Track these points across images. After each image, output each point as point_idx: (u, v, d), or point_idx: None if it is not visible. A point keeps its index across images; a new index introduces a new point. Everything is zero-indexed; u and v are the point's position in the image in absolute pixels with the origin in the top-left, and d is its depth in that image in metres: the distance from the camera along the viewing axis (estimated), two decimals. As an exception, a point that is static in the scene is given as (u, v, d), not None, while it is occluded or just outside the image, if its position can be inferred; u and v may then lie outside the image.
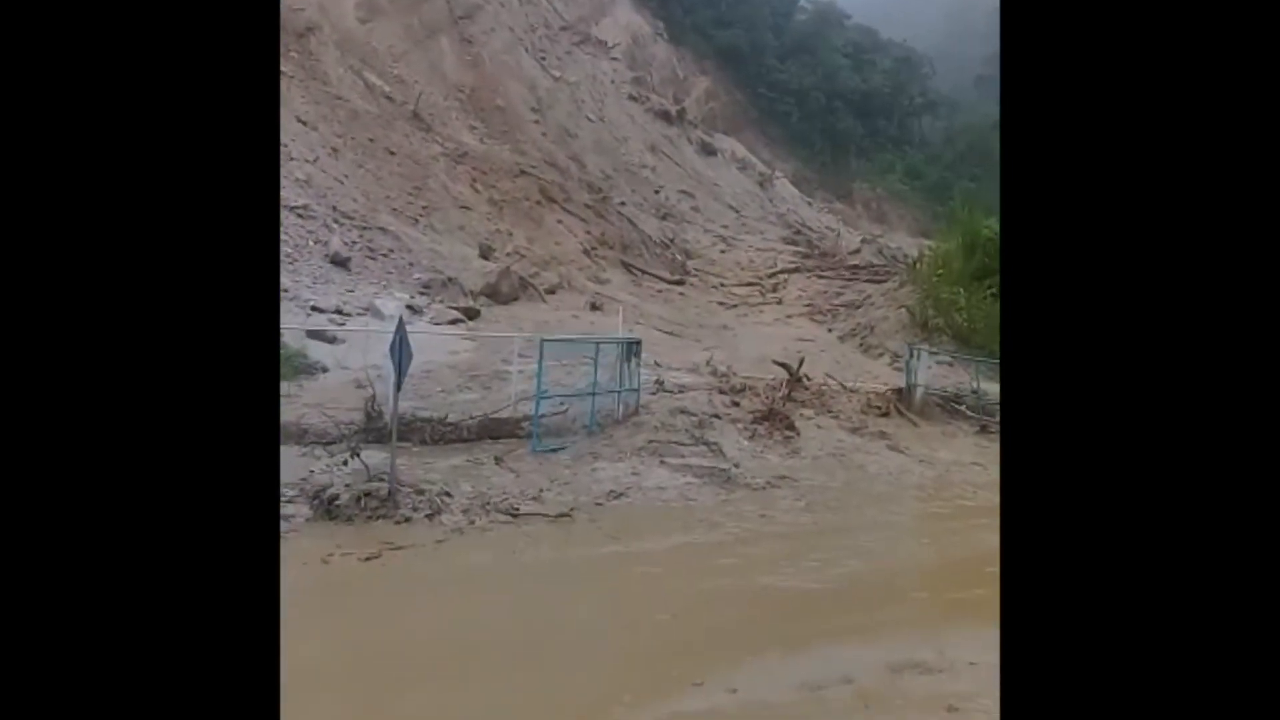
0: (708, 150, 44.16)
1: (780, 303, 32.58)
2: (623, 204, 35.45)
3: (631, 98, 43.29)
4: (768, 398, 17.75)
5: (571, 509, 11.70)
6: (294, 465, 11.50)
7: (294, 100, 27.71)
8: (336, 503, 10.40)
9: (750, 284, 34.23)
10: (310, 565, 9.12)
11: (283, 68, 28.34)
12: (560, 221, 31.78)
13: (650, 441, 14.81)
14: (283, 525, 9.97)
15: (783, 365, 19.52)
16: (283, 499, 10.48)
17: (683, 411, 16.60)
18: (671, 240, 35.47)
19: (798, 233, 41.17)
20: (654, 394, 17.62)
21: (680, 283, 32.50)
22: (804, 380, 19.14)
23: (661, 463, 14.05)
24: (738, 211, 41.02)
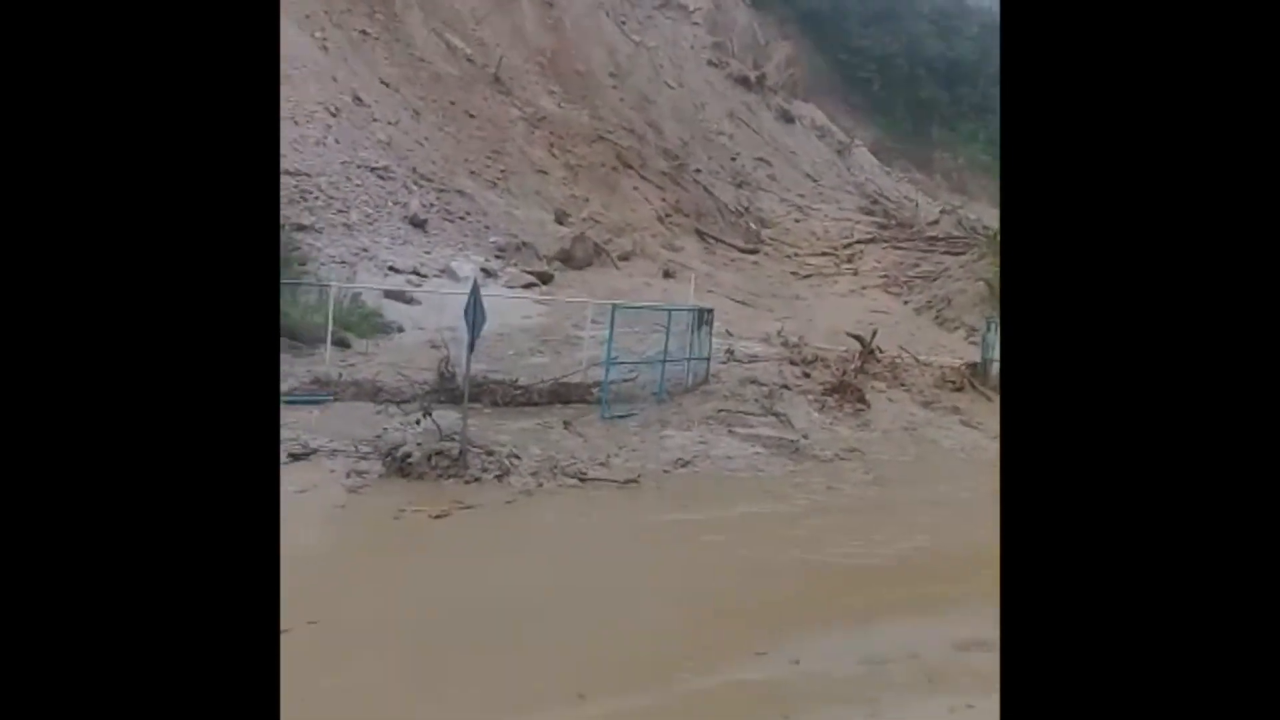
0: (786, 117, 43.51)
1: (855, 273, 32.09)
2: (699, 171, 35.18)
3: (711, 63, 42.80)
4: (839, 369, 17.55)
5: (638, 476, 11.74)
6: (368, 422, 11.75)
7: (378, 62, 28.02)
8: (409, 460, 10.59)
9: (825, 254, 33.77)
10: (382, 521, 9.35)
11: (367, 29, 28.66)
12: (635, 188, 31.69)
13: (719, 411, 14.77)
14: (356, 480, 10.23)
15: (855, 337, 19.26)
16: (357, 455, 10.73)
17: (753, 381, 16.51)
18: (747, 208, 35.13)
19: (875, 202, 40.44)
20: (724, 363, 17.56)
21: (754, 251, 32.22)
22: (877, 352, 18.85)
23: (730, 432, 14.00)
24: (815, 180, 40.43)
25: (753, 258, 31.69)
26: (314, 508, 9.45)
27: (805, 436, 14.15)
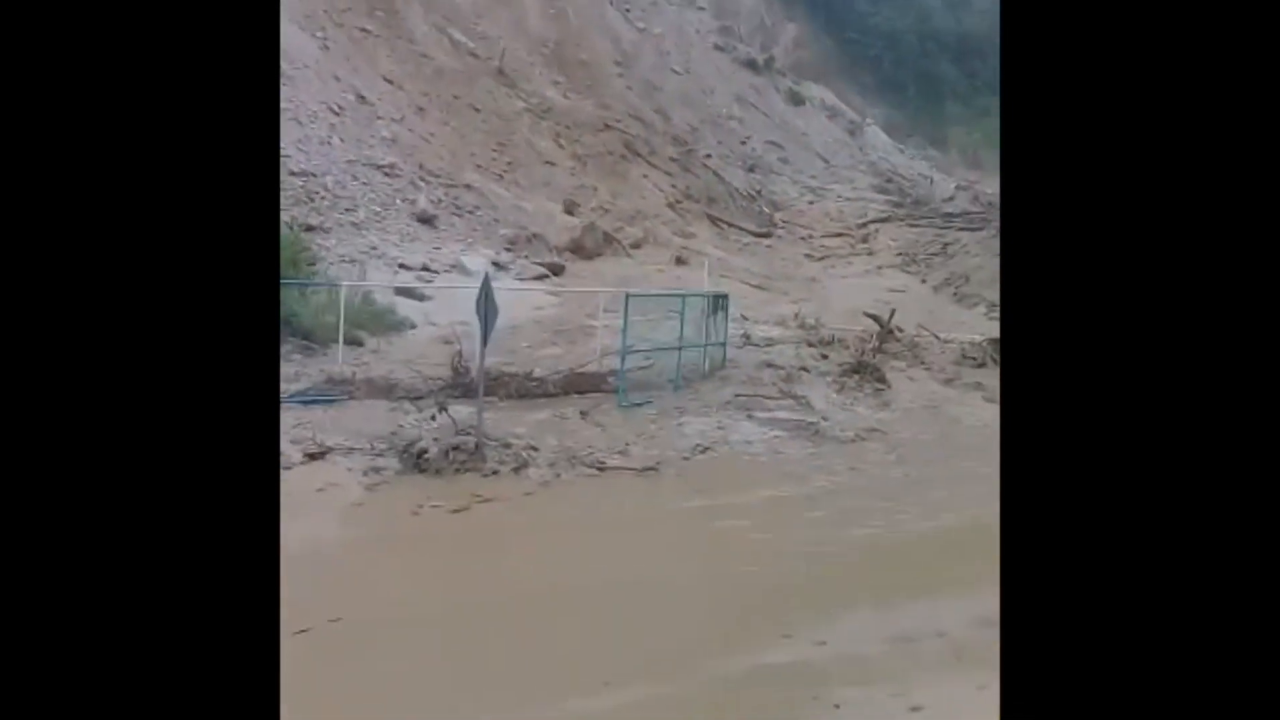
0: (796, 99, 43.19)
1: (871, 253, 31.86)
2: (709, 156, 34.99)
3: (718, 47, 42.54)
4: (857, 350, 17.44)
5: (658, 463, 11.69)
6: (383, 419, 11.74)
7: (380, 59, 27.98)
8: (425, 456, 10.57)
9: (840, 234, 33.53)
10: (400, 517, 9.34)
11: (368, 27, 28.62)
12: (645, 176, 31.56)
13: (737, 395, 14.70)
14: (373, 478, 10.22)
15: (873, 316, 19.13)
16: (373, 451, 10.73)
17: (770, 365, 16.43)
18: (759, 192, 34.92)
19: (889, 181, 40.13)
20: (741, 348, 17.47)
21: (768, 235, 32.04)
22: (895, 331, 18.72)
23: (749, 417, 13.94)
24: (827, 161, 40.15)
25: (766, 241, 31.52)
26: (332, 506, 9.45)
27: (825, 418, 14.06)
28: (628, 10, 39.41)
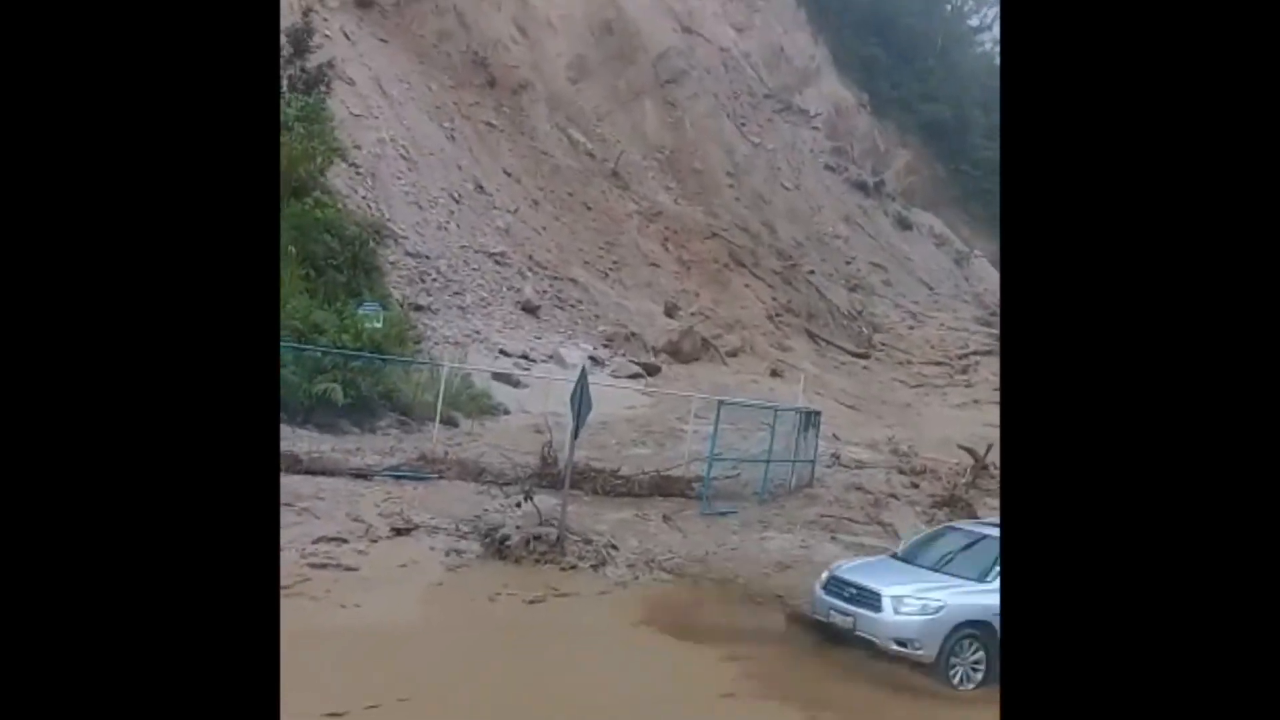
0: (904, 224, 43.43)
1: (969, 385, 31.40)
2: (812, 272, 35.28)
3: (829, 167, 43.22)
4: (950, 482, 17.10)
5: (737, 576, 11.56)
6: (470, 501, 11.93)
7: (502, 153, 29.19)
8: (507, 543, 10.68)
9: (939, 363, 33.21)
10: (478, 601, 9.41)
11: (493, 121, 29.96)
12: (747, 285, 31.93)
13: (822, 515, 14.51)
14: (455, 559, 10.35)
15: (968, 450, 18.77)
16: (457, 533, 10.89)
17: (859, 488, 16.22)
18: (859, 312, 34.96)
19: (993, 314, 39.71)
20: (829, 467, 17.31)
21: (865, 356, 31.92)
22: (990, 467, 18.30)
23: (833, 538, 13.72)
24: (931, 288, 40.07)
25: (864, 362, 31.38)
26: (413, 584, 9.59)
27: (911, 549, 13.73)
28: (743, 124, 40.39)
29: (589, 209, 30.13)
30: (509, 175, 28.50)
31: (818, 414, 17.80)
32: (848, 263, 37.98)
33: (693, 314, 27.85)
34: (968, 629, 8.44)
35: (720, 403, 15.34)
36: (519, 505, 11.48)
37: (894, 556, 10.24)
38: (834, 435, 19.54)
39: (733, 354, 26.49)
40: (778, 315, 31.36)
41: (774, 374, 25.80)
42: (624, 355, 22.52)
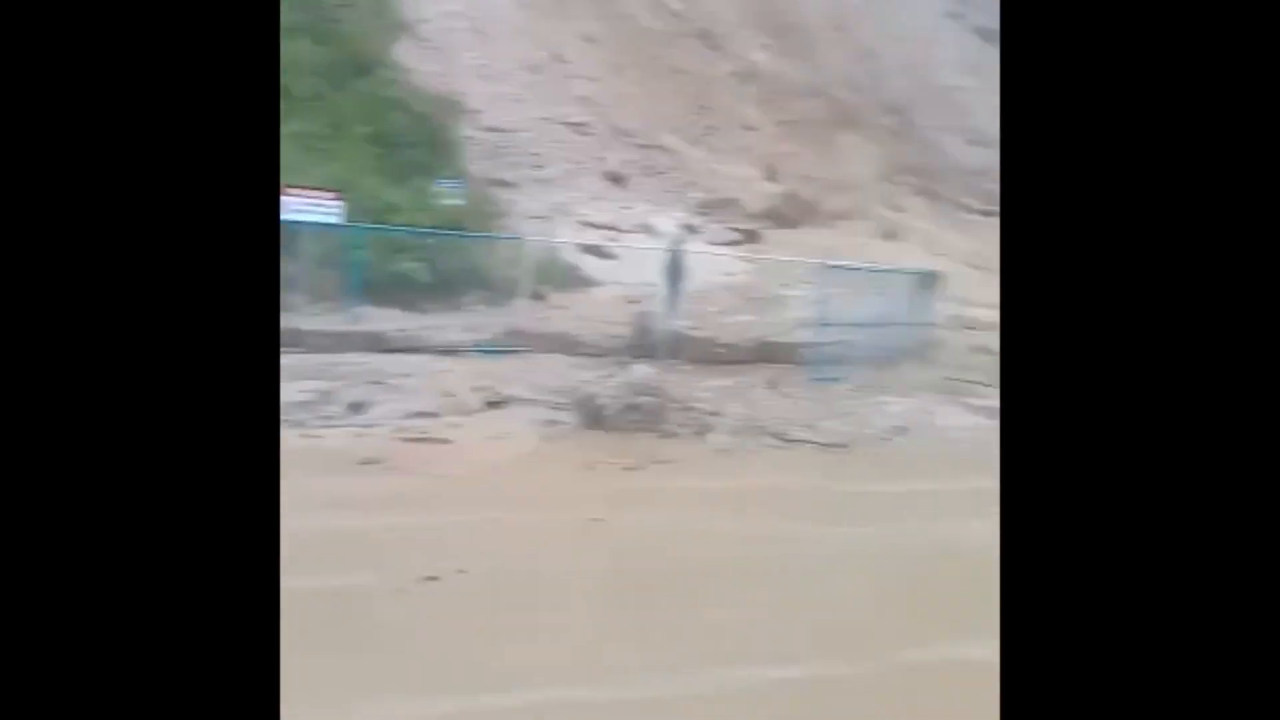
0: (1030, 68, 41.36)
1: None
2: (928, 128, 33.99)
3: (949, 14, 41.20)
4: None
5: (849, 440, 11.45)
6: (563, 374, 12.03)
7: (580, 16, 28.58)
8: (604, 412, 10.75)
9: (1073, 219, 31.89)
10: (574, 470, 9.53)
11: (569, -17, 29.28)
12: (854, 145, 30.97)
13: (944, 379, 14.24)
14: (551, 429, 10.49)
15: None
16: (552, 405, 11.00)
17: (984, 350, 15.80)
18: (983, 169, 33.63)
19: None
20: (953, 330, 16.90)
21: (990, 214, 30.81)
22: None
23: (955, 401, 13.45)
24: (1062, 137, 38.22)
25: (989, 220, 30.32)
26: (506, 455, 9.75)
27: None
28: (847, -32, 38.63)
29: (677, 72, 29.42)
30: (589, 40, 27.93)
31: (935, 274, 17.32)
32: (969, 117, 36.43)
33: (795, 177, 27.19)
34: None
35: (828, 266, 15.01)
36: (613, 376, 11.52)
37: None
38: (956, 296, 19.03)
39: (840, 216, 25.87)
40: (889, 174, 30.43)
41: (887, 236, 25.14)
42: (720, 223, 22.18)
